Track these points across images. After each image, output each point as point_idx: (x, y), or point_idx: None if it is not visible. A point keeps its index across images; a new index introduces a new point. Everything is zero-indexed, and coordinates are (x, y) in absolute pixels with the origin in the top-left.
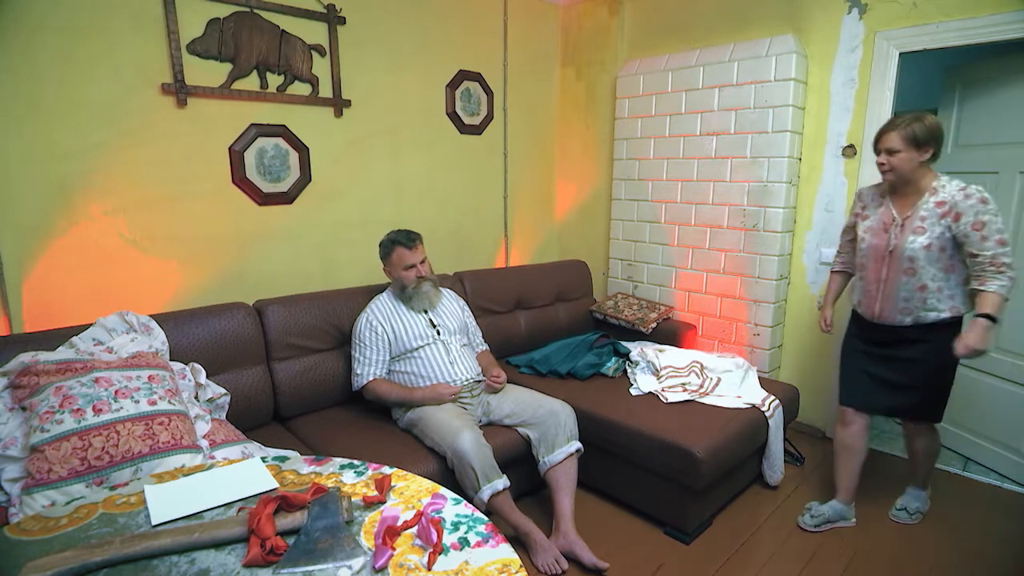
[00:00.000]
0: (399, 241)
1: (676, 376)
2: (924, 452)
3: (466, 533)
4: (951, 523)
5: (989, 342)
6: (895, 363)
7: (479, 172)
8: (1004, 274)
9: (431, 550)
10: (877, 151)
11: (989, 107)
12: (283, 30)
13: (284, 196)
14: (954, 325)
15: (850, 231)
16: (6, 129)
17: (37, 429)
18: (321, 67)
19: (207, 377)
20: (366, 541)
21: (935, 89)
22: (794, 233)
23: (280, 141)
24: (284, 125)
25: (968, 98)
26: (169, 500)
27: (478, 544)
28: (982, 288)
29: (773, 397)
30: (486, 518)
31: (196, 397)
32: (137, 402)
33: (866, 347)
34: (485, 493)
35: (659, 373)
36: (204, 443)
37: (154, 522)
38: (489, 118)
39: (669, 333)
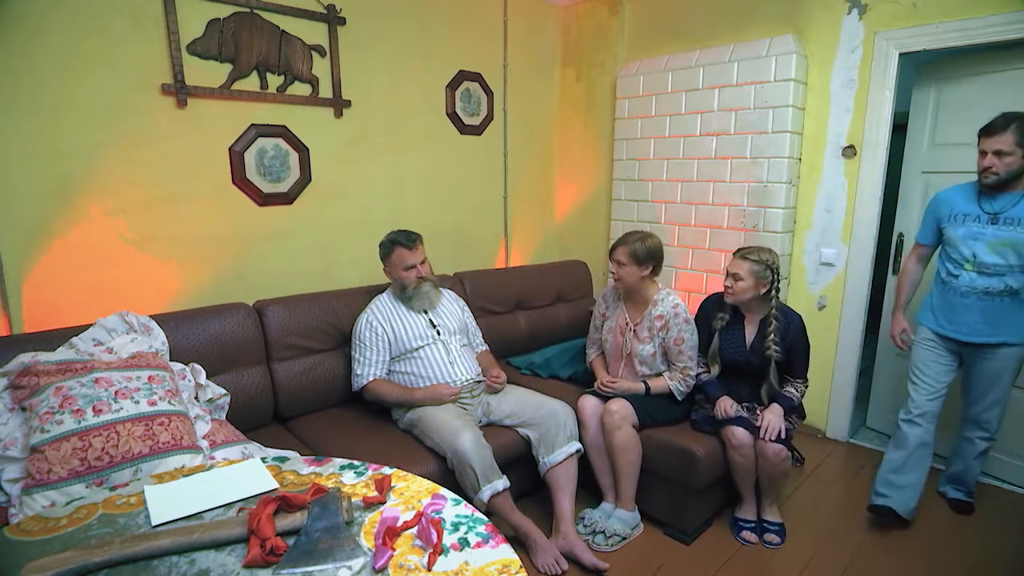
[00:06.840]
0: (399, 242)
1: None
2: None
3: (466, 534)
4: (951, 523)
5: (631, 391)
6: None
7: (479, 172)
8: (684, 381)
9: (431, 551)
10: (612, 260)
11: (964, 105)
12: (283, 30)
13: (284, 196)
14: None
15: (597, 330)
16: (6, 129)
17: (37, 429)
18: (321, 67)
19: (207, 377)
20: (366, 542)
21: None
22: (794, 234)
23: (280, 141)
24: (284, 125)
25: (944, 97)
26: (169, 501)
27: (478, 545)
28: (665, 377)
29: None
30: (486, 518)
31: (196, 397)
32: (137, 403)
33: None
34: (485, 493)
35: None
36: (204, 443)
37: (154, 523)
38: (489, 118)
39: None
